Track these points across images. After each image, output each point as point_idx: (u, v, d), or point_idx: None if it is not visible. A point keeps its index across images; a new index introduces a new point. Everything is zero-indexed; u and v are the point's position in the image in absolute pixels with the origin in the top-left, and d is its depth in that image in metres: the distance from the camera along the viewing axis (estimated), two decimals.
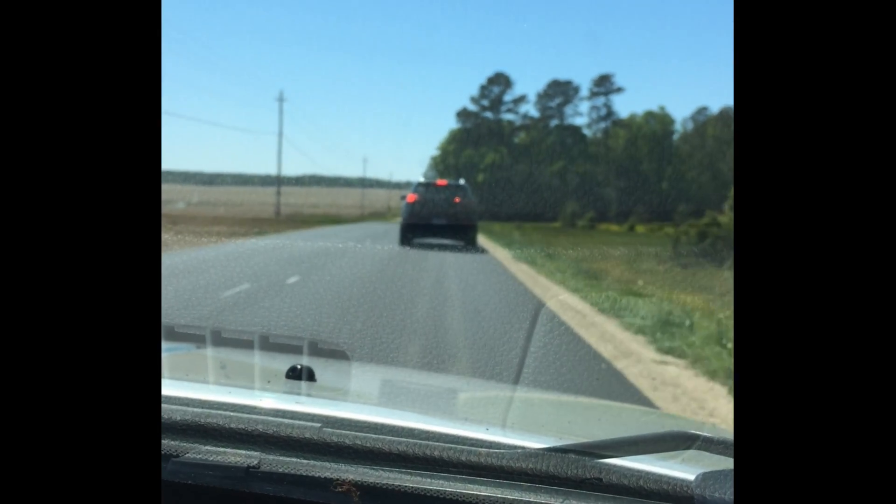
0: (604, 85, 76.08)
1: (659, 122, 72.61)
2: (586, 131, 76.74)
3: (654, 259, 16.34)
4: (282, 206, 47.37)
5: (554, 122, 76.96)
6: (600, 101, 75.80)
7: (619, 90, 76.93)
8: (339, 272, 12.14)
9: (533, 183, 69.19)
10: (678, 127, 73.77)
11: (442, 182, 20.08)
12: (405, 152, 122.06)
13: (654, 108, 77.41)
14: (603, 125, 76.11)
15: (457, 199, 18.58)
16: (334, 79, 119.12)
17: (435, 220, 18.02)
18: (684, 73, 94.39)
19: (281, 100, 49.03)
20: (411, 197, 18.53)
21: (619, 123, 75.19)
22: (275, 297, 8.55)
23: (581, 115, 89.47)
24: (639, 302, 9.29)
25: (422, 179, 20.23)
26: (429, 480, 1.00)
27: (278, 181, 46.34)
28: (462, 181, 20.68)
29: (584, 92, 77.38)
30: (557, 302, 9.24)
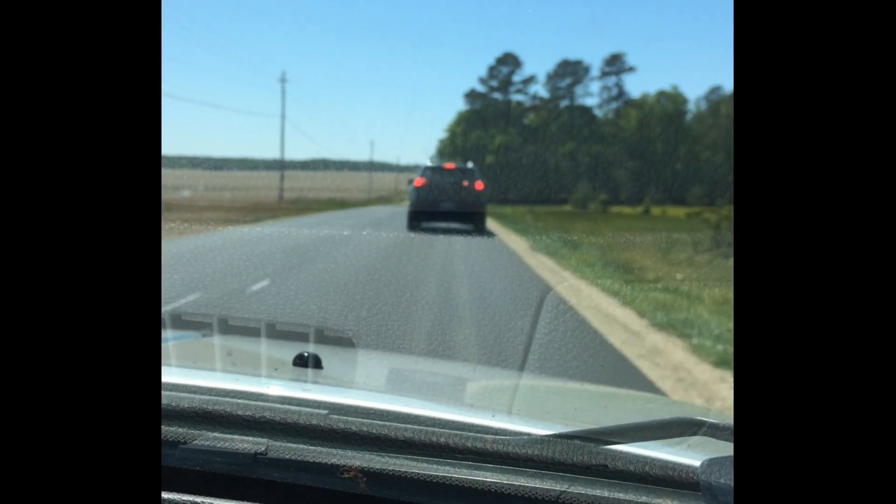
0: (615, 64, 75.24)
1: (671, 101, 71.08)
2: (597, 112, 75.92)
3: (690, 247, 14.81)
4: (287, 191, 46.38)
5: (564, 103, 76.26)
6: (611, 80, 75.13)
7: (631, 70, 76.16)
8: (321, 272, 9.60)
9: (543, 165, 68.35)
10: (691, 107, 72.15)
11: (450, 165, 19.65)
12: (412, 135, 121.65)
13: (666, 87, 75.90)
14: (614, 105, 75.19)
15: (465, 183, 18.05)
16: (341, 61, 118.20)
17: (443, 205, 17.54)
18: (697, 51, 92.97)
19: (283, 81, 46.84)
20: (419, 181, 18.10)
21: (630, 104, 74.07)
22: (224, 311, 6.66)
23: (592, 95, 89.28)
24: (701, 310, 7.59)
25: (429, 163, 19.76)
26: (435, 467, 1.00)
27: (281, 165, 44.83)
28: (470, 164, 19.97)
29: (595, 72, 76.74)
30: (604, 316, 7.56)
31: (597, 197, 51.93)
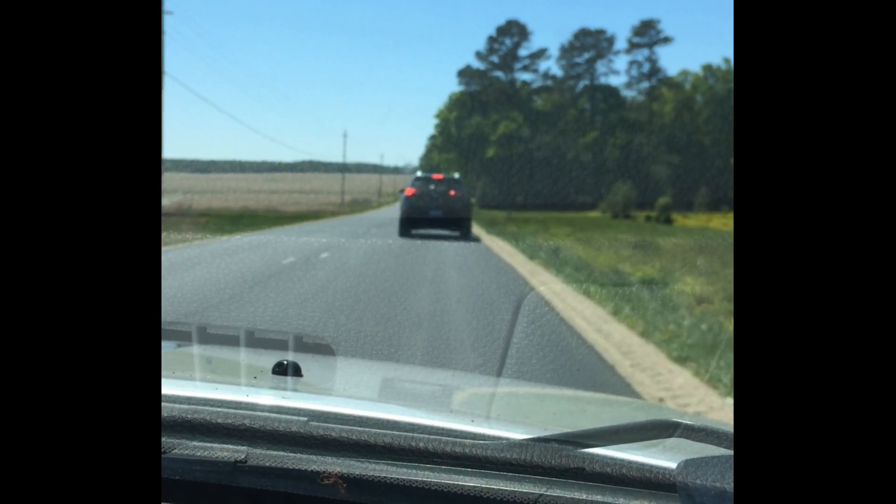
0: (646, 34, 62.25)
1: (721, 79, 56.30)
2: (624, 93, 61.89)
3: None
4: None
5: (583, 83, 63.09)
6: (642, 54, 62.07)
7: (666, 41, 62.63)
8: None
9: (559, 159, 53.72)
10: None
11: (438, 176, 22.43)
12: (397, 129, 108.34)
13: (713, 61, 61.29)
14: (646, 85, 61.28)
15: (452, 192, 20.78)
16: (315, 52, 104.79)
17: (432, 212, 20.27)
18: None
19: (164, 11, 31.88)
20: (409, 191, 20.80)
21: (666, 82, 59.61)
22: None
23: (617, 73, 77.18)
24: None
25: (419, 174, 23.26)
26: (414, 472, 1.02)
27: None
28: (457, 175, 23.17)
29: (621, 43, 64.47)
30: None
31: (656, 202, 37.22)
